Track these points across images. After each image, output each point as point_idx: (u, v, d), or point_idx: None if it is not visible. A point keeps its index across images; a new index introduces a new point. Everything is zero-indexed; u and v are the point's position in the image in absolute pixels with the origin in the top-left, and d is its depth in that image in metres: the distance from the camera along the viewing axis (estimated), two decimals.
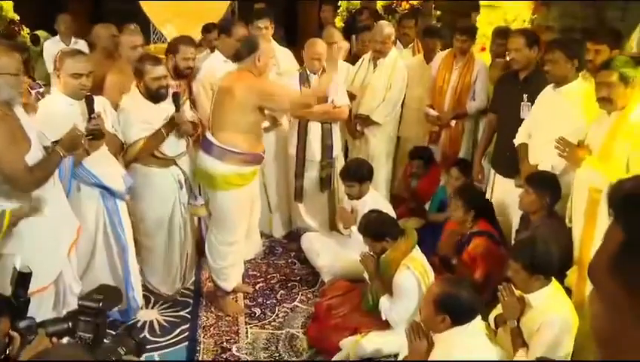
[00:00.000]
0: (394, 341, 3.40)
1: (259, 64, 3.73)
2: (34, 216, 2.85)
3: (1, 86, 2.71)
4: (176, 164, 3.95)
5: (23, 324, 2.01)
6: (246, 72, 3.75)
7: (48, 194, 2.91)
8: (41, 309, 2.82)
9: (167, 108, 3.82)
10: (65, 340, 2.14)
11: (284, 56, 4.85)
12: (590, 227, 3.20)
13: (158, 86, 3.71)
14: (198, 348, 3.67)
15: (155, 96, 3.75)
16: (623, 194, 0.72)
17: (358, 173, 4.31)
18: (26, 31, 8.20)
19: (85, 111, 3.28)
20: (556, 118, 3.57)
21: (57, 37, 6.90)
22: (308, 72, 4.64)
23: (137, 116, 3.74)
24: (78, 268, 3.39)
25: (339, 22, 8.00)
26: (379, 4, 7.98)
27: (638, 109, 3.09)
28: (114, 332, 3.31)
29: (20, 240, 2.79)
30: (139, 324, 3.85)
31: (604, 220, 3.12)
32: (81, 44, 6.48)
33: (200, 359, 3.57)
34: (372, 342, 3.46)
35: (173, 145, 3.89)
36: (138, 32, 4.98)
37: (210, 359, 3.58)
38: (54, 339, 2.03)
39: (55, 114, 3.22)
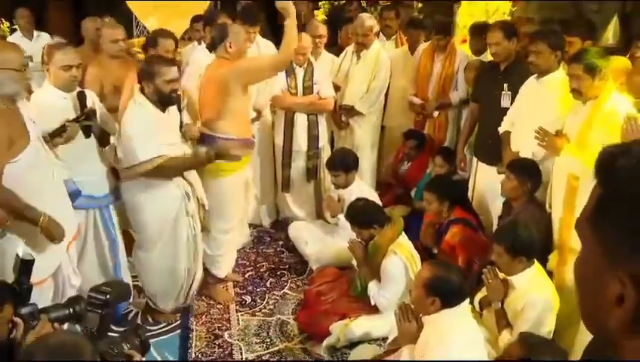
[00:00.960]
0: (383, 324, 3.51)
1: (231, 50, 3.77)
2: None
3: (5, 81, 2.71)
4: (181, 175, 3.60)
5: (25, 310, 2.07)
6: (222, 60, 3.80)
7: (48, 189, 2.94)
8: (40, 301, 2.85)
9: (174, 112, 3.57)
10: (66, 326, 2.20)
11: (266, 48, 4.91)
12: (569, 213, 3.30)
13: (170, 89, 3.36)
14: (191, 336, 3.74)
15: (166, 101, 3.39)
16: (602, 155, 0.83)
17: (344, 163, 4.40)
18: (5, 25, 8.11)
19: (77, 106, 3.31)
20: (538, 108, 3.67)
21: (19, 32, 6.67)
22: (294, 65, 4.71)
23: (150, 130, 3.34)
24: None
25: (321, 14, 8.03)
26: None
27: (612, 99, 3.20)
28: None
29: (20, 233, 2.83)
30: (132, 313, 3.92)
31: (582, 205, 3.23)
32: (45, 38, 6.34)
33: (193, 346, 3.64)
34: (361, 325, 3.56)
35: None
36: (116, 24, 4.97)
37: (202, 346, 3.65)
38: (56, 325, 2.09)
39: (48, 106, 3.23)
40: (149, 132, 3.34)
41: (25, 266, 2.13)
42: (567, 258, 3.36)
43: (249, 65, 3.91)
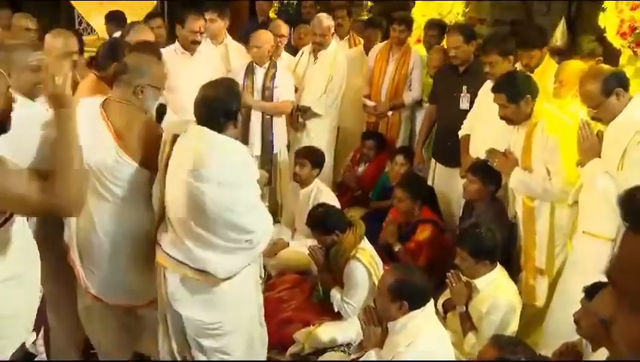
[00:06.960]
0: (348, 330, 3.46)
1: None
2: None
3: (151, 99, 2.64)
4: None
5: None
6: None
7: None
8: None
9: None
10: None
11: (237, 51, 4.80)
12: (530, 234, 3.36)
13: None
14: None
15: None
16: (637, 204, 0.79)
17: (314, 154, 4.34)
18: None
19: None
20: (495, 112, 3.69)
21: None
22: (254, 65, 4.61)
23: None
24: None
25: (272, 13, 7.91)
26: None
27: (545, 116, 3.26)
28: None
29: None
30: None
31: (542, 224, 3.30)
32: None
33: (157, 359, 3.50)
34: (326, 332, 3.47)
35: None
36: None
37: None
38: None
39: None
40: None
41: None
42: (534, 278, 3.38)
43: None
